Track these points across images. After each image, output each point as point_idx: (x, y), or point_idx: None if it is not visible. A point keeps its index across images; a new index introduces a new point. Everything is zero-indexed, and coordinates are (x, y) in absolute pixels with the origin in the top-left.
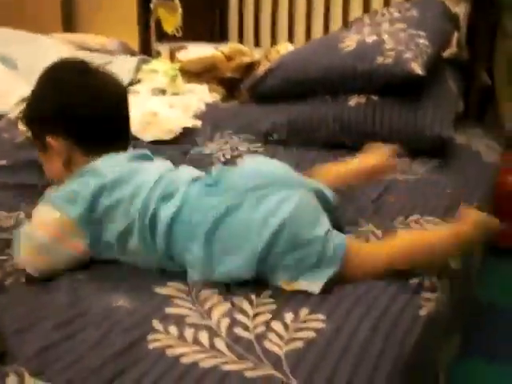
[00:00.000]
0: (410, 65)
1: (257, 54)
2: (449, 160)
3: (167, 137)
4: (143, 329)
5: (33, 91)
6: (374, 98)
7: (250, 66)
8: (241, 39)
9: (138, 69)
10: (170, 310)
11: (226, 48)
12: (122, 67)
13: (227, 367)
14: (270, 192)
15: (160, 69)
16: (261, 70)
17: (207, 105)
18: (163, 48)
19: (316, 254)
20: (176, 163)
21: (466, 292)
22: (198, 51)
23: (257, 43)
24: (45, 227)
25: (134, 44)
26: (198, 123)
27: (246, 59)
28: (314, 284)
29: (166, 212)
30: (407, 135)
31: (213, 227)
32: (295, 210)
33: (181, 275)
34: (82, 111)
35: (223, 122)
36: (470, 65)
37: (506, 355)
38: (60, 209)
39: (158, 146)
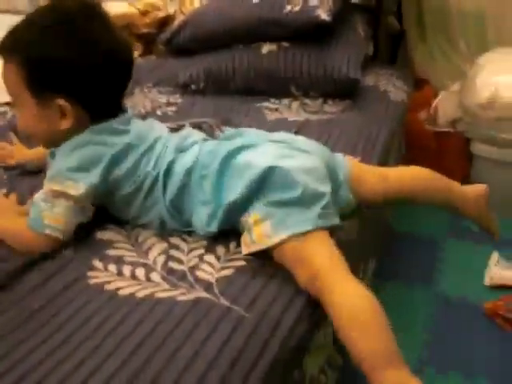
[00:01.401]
0: (316, 12)
1: (171, 8)
2: (358, 100)
3: None
4: (84, 269)
5: (39, 34)
6: (285, 44)
7: (165, 20)
8: None
9: None
10: (110, 252)
11: (140, 3)
12: None
13: (161, 295)
14: (285, 146)
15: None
16: (175, 23)
17: None
18: None
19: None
20: None
21: (378, 222)
22: (112, 8)
23: None
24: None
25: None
26: None
27: (161, 13)
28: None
29: (182, 164)
30: (317, 78)
31: (225, 159)
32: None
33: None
34: (100, 73)
35: (142, 76)
36: (378, 10)
37: (420, 278)
38: (74, 181)
39: None
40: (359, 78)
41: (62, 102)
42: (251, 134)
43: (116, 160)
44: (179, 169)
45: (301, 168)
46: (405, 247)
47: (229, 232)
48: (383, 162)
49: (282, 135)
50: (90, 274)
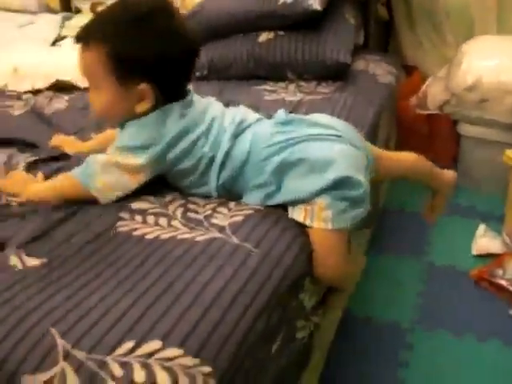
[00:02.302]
0: (308, 2)
1: (175, 3)
2: (349, 82)
3: None
4: (113, 219)
5: (123, 28)
6: (281, 33)
7: None
8: None
9: (62, 26)
10: (135, 206)
11: None
12: (45, 26)
13: (182, 236)
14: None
15: (83, 24)
16: None
17: None
18: (83, 4)
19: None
20: None
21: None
22: None
23: None
24: (129, 173)
25: (54, 3)
26: None
27: None
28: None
29: (240, 148)
30: (311, 63)
31: (291, 151)
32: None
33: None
34: (179, 58)
35: None
36: (367, 1)
37: (410, 250)
38: (134, 156)
39: None
40: (349, 62)
41: (144, 86)
42: (304, 121)
43: (174, 142)
44: (237, 153)
45: (361, 170)
46: (396, 222)
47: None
48: (372, 136)
49: (329, 122)
50: (119, 223)
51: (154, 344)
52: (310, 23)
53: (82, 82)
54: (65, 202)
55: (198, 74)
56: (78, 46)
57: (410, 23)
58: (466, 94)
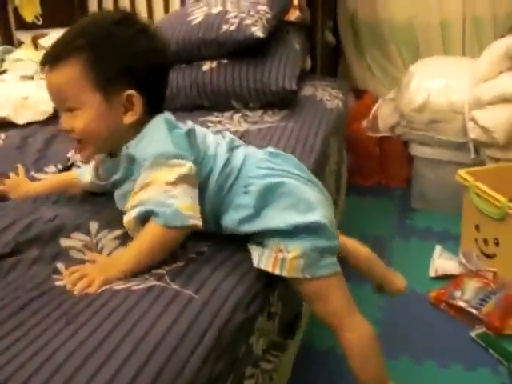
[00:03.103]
0: (251, 29)
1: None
2: (296, 109)
3: (41, 117)
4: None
5: (98, 35)
6: (224, 61)
7: None
8: None
9: (2, 59)
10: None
11: None
12: None
13: (117, 287)
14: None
15: (25, 57)
16: None
17: None
18: (25, 36)
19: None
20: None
21: None
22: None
23: None
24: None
25: None
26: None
27: None
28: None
29: (235, 162)
30: (256, 91)
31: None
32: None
33: None
34: (158, 62)
35: None
36: (313, 26)
37: None
38: (180, 162)
39: (34, 127)
40: (295, 89)
41: (131, 92)
42: (290, 159)
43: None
44: (233, 164)
45: (333, 223)
46: None
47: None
48: (321, 163)
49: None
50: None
51: None
52: (254, 50)
53: (19, 119)
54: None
55: None
56: (45, 69)
57: (358, 47)
58: (416, 114)
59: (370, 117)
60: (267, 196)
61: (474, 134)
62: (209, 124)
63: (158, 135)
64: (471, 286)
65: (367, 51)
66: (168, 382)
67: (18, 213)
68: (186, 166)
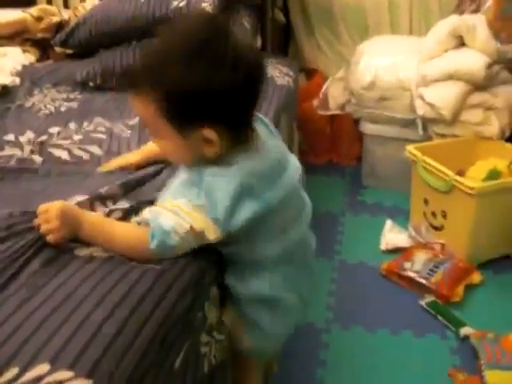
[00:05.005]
0: (201, 5)
1: (65, 14)
2: None
3: None
4: None
5: (171, 67)
6: None
7: (60, 25)
8: (50, 2)
9: None
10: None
11: (33, 10)
12: None
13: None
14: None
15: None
16: (70, 24)
17: (23, 66)
18: None
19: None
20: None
21: None
22: (5, 15)
23: (66, 5)
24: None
25: None
26: (16, 80)
27: (55, 18)
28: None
29: None
30: None
31: None
32: None
33: None
34: (245, 93)
35: (41, 78)
36: (263, 4)
37: (322, 251)
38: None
39: None
40: None
41: (207, 132)
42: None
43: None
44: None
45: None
46: None
47: None
48: None
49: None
50: None
51: (41, 368)
52: None
53: None
54: None
55: (91, 83)
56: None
57: (308, 26)
58: (365, 92)
59: (321, 95)
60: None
61: (421, 110)
62: None
63: (221, 195)
64: (420, 257)
65: (317, 30)
66: (124, 344)
67: None
68: (214, 234)
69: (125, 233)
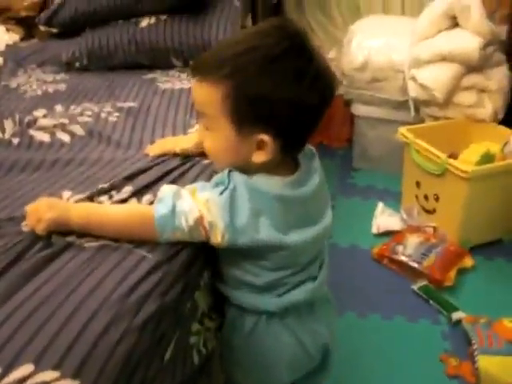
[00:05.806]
0: None
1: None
2: None
3: None
4: None
5: (250, 65)
6: (163, 17)
7: (45, 3)
8: None
9: None
10: None
11: None
12: None
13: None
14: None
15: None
16: (55, 2)
17: (7, 45)
18: None
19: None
20: None
21: None
22: None
23: None
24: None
25: None
26: (0, 60)
27: None
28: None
29: None
30: (196, 47)
31: None
32: None
33: None
34: (311, 107)
35: (25, 58)
36: None
37: None
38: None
39: None
40: None
41: (265, 137)
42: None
43: None
44: None
45: None
46: None
47: None
48: None
49: None
50: None
51: (25, 369)
52: (194, 6)
53: None
54: None
55: (77, 64)
56: (195, 76)
57: (299, 5)
58: (357, 73)
59: None
60: None
61: (414, 92)
62: (157, 83)
63: (245, 206)
64: (412, 241)
65: (308, 10)
66: (112, 341)
67: None
68: (220, 238)
69: (122, 209)
